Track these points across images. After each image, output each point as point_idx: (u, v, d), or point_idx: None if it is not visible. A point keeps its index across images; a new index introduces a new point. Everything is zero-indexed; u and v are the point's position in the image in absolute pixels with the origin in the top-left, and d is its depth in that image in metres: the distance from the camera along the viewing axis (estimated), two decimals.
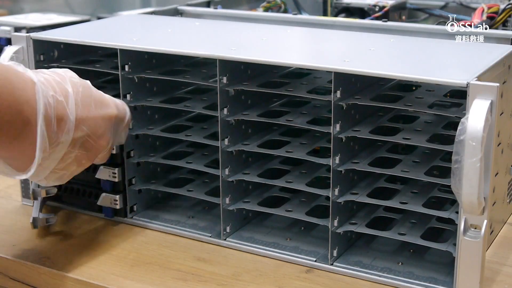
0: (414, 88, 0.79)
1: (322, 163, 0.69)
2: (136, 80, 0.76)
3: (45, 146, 0.60)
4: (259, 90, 0.72)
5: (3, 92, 0.56)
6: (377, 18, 1.05)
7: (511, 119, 0.71)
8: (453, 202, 0.66)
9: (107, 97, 0.68)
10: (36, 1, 3.24)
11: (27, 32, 0.88)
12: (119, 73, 0.74)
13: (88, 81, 0.66)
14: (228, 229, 0.74)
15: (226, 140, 0.72)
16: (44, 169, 0.62)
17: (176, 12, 1.02)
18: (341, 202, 0.68)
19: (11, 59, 0.76)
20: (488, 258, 0.67)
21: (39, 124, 0.58)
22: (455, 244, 0.62)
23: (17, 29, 1.08)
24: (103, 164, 0.75)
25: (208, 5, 1.09)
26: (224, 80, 0.70)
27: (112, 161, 0.75)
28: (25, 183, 0.83)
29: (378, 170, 0.68)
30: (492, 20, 0.94)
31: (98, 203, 0.77)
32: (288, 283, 0.66)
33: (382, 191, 0.72)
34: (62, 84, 0.62)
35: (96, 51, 0.83)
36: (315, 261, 0.69)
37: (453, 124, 0.69)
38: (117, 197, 0.76)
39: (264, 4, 1.08)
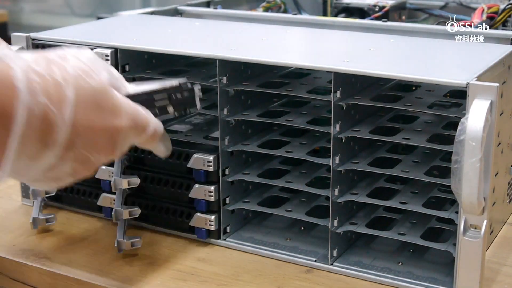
0: (414, 88, 0.79)
1: (322, 163, 0.69)
2: (136, 81, 0.76)
3: (22, 158, 0.51)
4: (259, 90, 0.72)
5: None
6: (377, 18, 1.05)
7: (511, 119, 0.71)
8: (453, 202, 0.66)
9: (123, 105, 0.57)
10: (36, 1, 3.24)
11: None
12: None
13: (105, 85, 0.55)
14: (228, 229, 0.74)
15: (226, 140, 0.72)
16: (21, 177, 0.55)
17: (176, 12, 1.02)
18: (341, 202, 0.68)
19: None
20: (488, 258, 0.67)
21: (11, 139, 0.50)
22: (455, 244, 0.62)
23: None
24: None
25: (208, 5, 1.09)
26: (224, 80, 0.70)
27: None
28: (25, 183, 0.83)
29: (378, 170, 0.68)
30: (492, 20, 0.94)
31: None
32: (288, 283, 0.66)
33: (382, 191, 0.72)
34: (61, 88, 0.52)
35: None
36: (315, 261, 0.69)
37: (453, 124, 0.69)
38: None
39: (264, 4, 1.08)
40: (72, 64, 0.54)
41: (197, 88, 0.60)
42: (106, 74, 0.55)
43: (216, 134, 0.72)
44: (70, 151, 0.54)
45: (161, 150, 0.63)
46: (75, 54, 0.55)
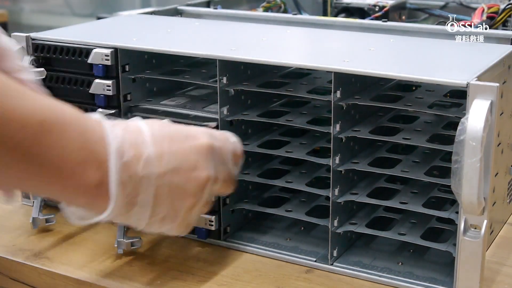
0: (414, 88, 0.79)
1: (322, 163, 0.69)
2: (136, 81, 0.76)
3: (120, 206, 0.53)
4: (259, 90, 0.72)
5: (74, 132, 0.50)
6: (377, 18, 1.05)
7: (511, 119, 0.71)
8: (453, 202, 0.66)
9: (194, 129, 0.59)
10: (36, 1, 3.24)
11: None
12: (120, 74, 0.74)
13: (165, 119, 0.60)
14: (228, 229, 0.74)
15: None
16: (133, 216, 0.55)
17: (176, 12, 1.02)
18: (341, 202, 0.68)
19: None
20: (488, 258, 0.67)
21: (111, 158, 0.52)
22: (455, 244, 0.62)
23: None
24: None
25: (208, 5, 1.09)
26: (224, 80, 0.70)
27: None
28: None
29: (378, 170, 0.68)
30: (492, 20, 0.94)
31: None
32: (288, 283, 0.66)
33: (382, 191, 0.72)
34: (140, 138, 0.55)
35: None
36: (315, 261, 0.69)
37: (453, 124, 0.69)
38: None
39: (264, 4, 1.08)
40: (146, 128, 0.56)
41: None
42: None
43: None
44: (163, 177, 0.55)
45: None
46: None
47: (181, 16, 1.02)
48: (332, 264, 0.68)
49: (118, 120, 0.56)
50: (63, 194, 0.53)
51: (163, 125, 0.57)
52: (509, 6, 0.94)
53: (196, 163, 0.56)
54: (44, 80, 0.76)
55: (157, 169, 0.54)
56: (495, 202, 0.68)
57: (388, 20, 0.96)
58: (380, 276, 0.66)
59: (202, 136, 0.58)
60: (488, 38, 0.82)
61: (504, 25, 0.95)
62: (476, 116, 0.56)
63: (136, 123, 0.56)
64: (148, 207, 0.55)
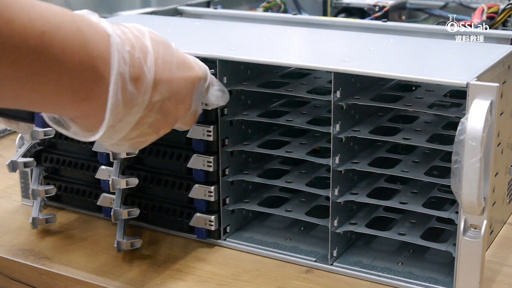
0: (414, 88, 0.79)
1: (322, 163, 0.69)
2: None
3: (118, 106, 0.52)
4: (259, 90, 0.72)
5: (74, 45, 0.49)
6: (377, 18, 1.05)
7: (511, 119, 0.71)
8: (453, 202, 0.66)
9: (190, 58, 0.60)
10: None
11: None
12: None
13: (168, 40, 0.58)
14: (228, 229, 0.74)
15: (226, 140, 0.72)
16: (116, 132, 0.55)
17: (176, 12, 1.02)
18: (341, 202, 0.68)
19: None
20: (488, 258, 0.67)
21: (112, 82, 0.51)
22: (455, 244, 0.62)
23: None
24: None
25: (208, 5, 1.09)
26: (224, 80, 0.70)
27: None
28: (25, 183, 0.83)
29: (378, 170, 0.68)
30: (492, 20, 0.94)
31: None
32: (288, 283, 0.66)
33: (382, 191, 0.72)
34: (140, 39, 0.54)
35: None
36: (315, 261, 0.69)
37: (453, 124, 0.69)
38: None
39: (264, 4, 1.08)
40: (138, 26, 0.56)
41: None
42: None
43: None
44: (155, 102, 0.55)
45: (217, 94, 0.65)
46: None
47: (181, 16, 1.02)
48: (332, 264, 0.68)
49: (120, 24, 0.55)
50: (56, 109, 0.53)
51: (167, 47, 0.57)
52: (509, 6, 0.94)
53: (185, 95, 0.58)
54: None
55: (152, 97, 0.54)
56: (495, 202, 0.68)
57: (388, 20, 0.96)
58: (380, 276, 0.66)
59: (195, 67, 0.60)
60: (488, 38, 0.82)
61: (504, 25, 0.95)
62: (476, 116, 0.56)
63: (144, 41, 0.55)
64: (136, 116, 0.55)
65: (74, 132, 0.55)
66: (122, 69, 0.52)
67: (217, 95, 0.65)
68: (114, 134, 0.55)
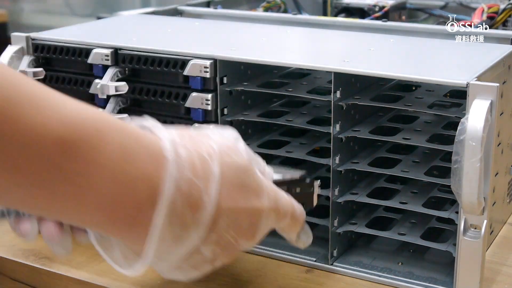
0: (414, 88, 0.79)
1: (322, 163, 0.69)
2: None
3: (165, 239, 0.46)
4: (259, 90, 0.72)
5: (108, 160, 0.43)
6: (377, 18, 1.05)
7: (511, 119, 0.71)
8: (453, 202, 0.66)
9: (265, 186, 0.52)
10: (36, 1, 3.24)
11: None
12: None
13: (249, 163, 0.51)
14: None
15: None
16: (163, 262, 0.49)
17: (176, 12, 1.02)
18: (341, 202, 0.68)
19: (11, 58, 0.76)
20: (488, 258, 0.67)
21: (158, 213, 0.45)
22: (455, 244, 0.62)
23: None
24: None
25: (208, 5, 1.09)
26: (224, 80, 0.70)
27: None
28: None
29: (378, 170, 0.68)
30: (492, 20, 0.94)
31: None
32: (288, 283, 0.66)
33: (382, 191, 0.72)
34: (208, 163, 0.47)
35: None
36: (315, 261, 0.69)
37: (453, 124, 0.69)
38: None
39: (264, 4, 1.08)
40: (216, 140, 0.50)
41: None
42: (246, 154, 0.51)
43: None
44: (213, 233, 0.48)
45: (302, 240, 0.59)
46: (218, 131, 0.52)
47: (181, 16, 1.02)
48: (332, 264, 0.68)
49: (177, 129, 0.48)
50: (97, 222, 0.46)
51: (241, 172, 0.50)
52: (509, 6, 0.94)
53: (247, 228, 0.51)
54: (44, 80, 0.76)
55: (210, 229, 0.48)
56: (495, 202, 0.68)
57: (388, 20, 0.96)
58: (380, 276, 0.66)
59: (264, 197, 0.52)
60: (488, 38, 0.82)
61: (504, 25, 0.95)
62: (476, 116, 0.56)
63: (211, 166, 0.48)
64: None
65: (115, 259, 0.50)
66: (175, 198, 0.45)
67: (301, 241, 0.59)
68: (159, 264, 0.49)
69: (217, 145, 0.49)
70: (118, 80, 0.72)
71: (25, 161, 0.40)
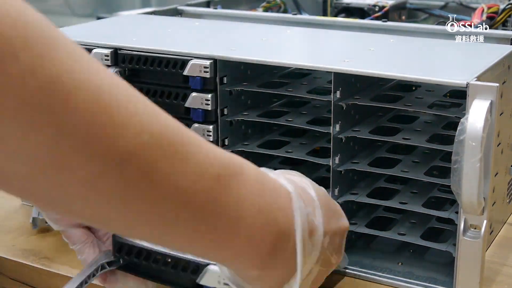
0: (414, 88, 0.79)
1: (322, 163, 0.69)
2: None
3: (302, 266, 0.49)
4: (259, 90, 0.72)
5: (253, 194, 0.45)
6: (377, 18, 1.05)
7: (511, 119, 0.71)
8: (453, 202, 0.66)
9: (338, 206, 0.57)
10: (36, 1, 3.24)
11: None
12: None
13: (323, 188, 0.56)
14: None
15: (226, 140, 0.72)
16: None
17: (176, 12, 1.02)
18: (341, 202, 0.68)
19: None
20: (488, 258, 0.67)
21: (298, 239, 0.48)
22: (455, 244, 0.62)
23: None
24: None
25: (208, 5, 1.09)
26: (224, 80, 0.70)
27: None
28: None
29: (378, 170, 0.68)
30: (492, 20, 0.94)
31: None
32: None
33: (382, 191, 0.72)
34: (307, 191, 0.52)
35: None
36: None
37: (453, 124, 0.69)
38: None
39: (264, 4, 1.08)
40: (296, 175, 0.55)
41: None
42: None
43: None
44: (321, 254, 0.52)
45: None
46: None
47: (181, 16, 1.02)
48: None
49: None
50: (230, 261, 0.48)
51: (325, 197, 0.54)
52: (509, 6, 0.94)
53: (339, 246, 0.55)
54: None
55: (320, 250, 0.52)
56: (495, 202, 0.68)
57: (388, 20, 0.96)
58: (380, 276, 0.66)
59: (344, 216, 0.56)
60: (488, 38, 0.82)
61: (504, 25, 0.95)
62: (476, 116, 0.56)
63: (310, 194, 0.52)
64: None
65: None
66: (304, 226, 0.49)
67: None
68: None
69: (303, 178, 0.54)
70: None
71: (193, 196, 0.41)
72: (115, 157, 0.37)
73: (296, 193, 0.49)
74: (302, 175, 0.55)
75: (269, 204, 0.46)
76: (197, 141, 0.42)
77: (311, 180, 0.54)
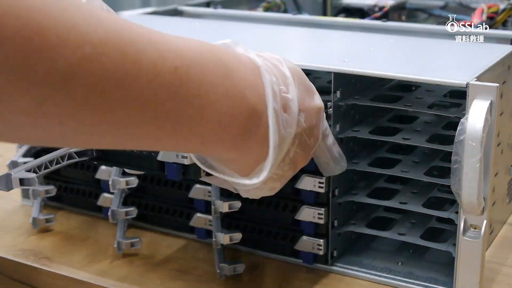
0: (414, 88, 0.79)
1: None
2: None
3: (279, 141, 0.48)
4: None
5: (216, 77, 0.44)
6: (377, 18, 1.05)
7: (511, 119, 0.71)
8: (453, 202, 0.66)
9: (312, 85, 0.56)
10: None
11: None
12: None
13: (298, 68, 0.54)
14: None
15: None
16: (263, 173, 0.50)
17: (176, 12, 1.02)
18: (341, 202, 0.68)
19: None
20: (488, 258, 0.67)
21: (270, 115, 0.47)
22: (455, 244, 0.62)
23: None
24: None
25: (208, 5, 1.09)
26: None
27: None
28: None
29: (378, 170, 0.68)
30: (492, 20, 0.94)
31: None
32: (288, 283, 0.66)
33: (382, 191, 0.72)
34: (279, 68, 0.50)
35: None
36: (315, 261, 0.69)
37: (453, 124, 0.69)
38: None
39: (264, 4, 1.08)
40: (269, 54, 0.53)
41: None
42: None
43: None
44: (296, 135, 0.51)
45: (340, 165, 0.62)
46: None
47: (181, 16, 1.02)
48: (332, 264, 0.68)
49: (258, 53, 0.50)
50: (203, 149, 0.47)
51: (300, 74, 0.53)
52: (509, 6, 0.94)
53: (315, 125, 0.54)
54: None
55: (296, 130, 0.50)
56: (495, 202, 0.68)
57: (388, 20, 0.96)
58: (380, 276, 0.66)
59: (318, 95, 0.55)
60: (488, 38, 0.82)
61: (504, 25, 0.95)
62: (475, 116, 0.56)
63: (283, 70, 0.50)
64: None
65: (221, 182, 0.50)
66: (276, 101, 0.47)
67: (335, 156, 0.61)
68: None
69: (273, 54, 0.52)
70: None
71: (151, 95, 0.40)
72: (56, 79, 0.35)
73: (265, 68, 0.48)
74: (275, 54, 0.52)
75: (236, 84, 0.45)
76: (147, 37, 0.41)
77: (284, 58, 0.52)
